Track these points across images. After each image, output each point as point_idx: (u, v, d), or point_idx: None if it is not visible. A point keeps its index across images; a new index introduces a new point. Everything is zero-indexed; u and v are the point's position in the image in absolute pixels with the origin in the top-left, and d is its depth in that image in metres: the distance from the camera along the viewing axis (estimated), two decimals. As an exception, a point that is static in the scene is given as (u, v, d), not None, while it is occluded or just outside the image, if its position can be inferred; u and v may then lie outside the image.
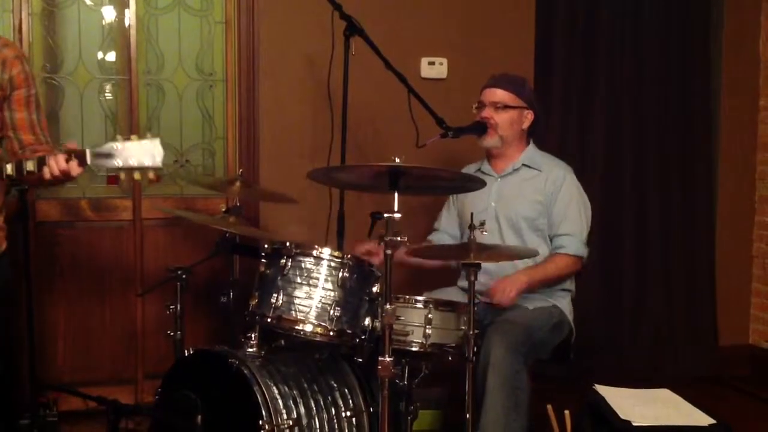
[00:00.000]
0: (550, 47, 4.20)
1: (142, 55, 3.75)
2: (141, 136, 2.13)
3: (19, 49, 2.53)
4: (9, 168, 2.23)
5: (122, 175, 2.15)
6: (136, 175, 2.15)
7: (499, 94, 3.12)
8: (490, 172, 3.21)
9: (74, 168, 2.18)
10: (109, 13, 3.74)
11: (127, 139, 2.11)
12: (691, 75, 4.45)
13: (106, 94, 3.76)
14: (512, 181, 3.17)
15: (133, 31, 3.66)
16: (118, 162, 2.11)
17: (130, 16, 3.66)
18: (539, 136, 3.31)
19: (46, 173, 2.20)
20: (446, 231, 3.35)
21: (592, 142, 4.31)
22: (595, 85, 4.30)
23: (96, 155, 2.15)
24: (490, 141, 3.15)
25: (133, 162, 2.11)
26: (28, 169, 2.21)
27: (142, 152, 2.11)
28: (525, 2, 4.11)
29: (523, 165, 3.17)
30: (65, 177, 2.21)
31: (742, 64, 4.58)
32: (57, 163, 2.17)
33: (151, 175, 2.15)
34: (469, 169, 3.31)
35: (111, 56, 3.76)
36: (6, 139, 2.45)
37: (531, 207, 3.11)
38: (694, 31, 4.45)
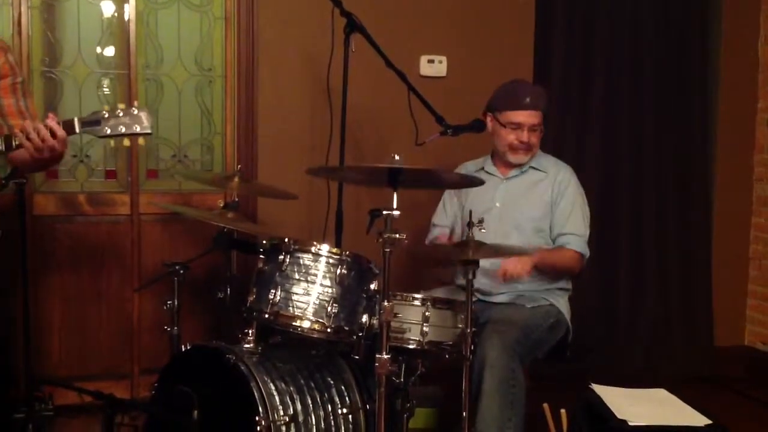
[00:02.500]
0: (548, 46, 4.20)
1: (141, 50, 3.74)
2: (128, 106, 2.19)
3: (2, 41, 2.57)
4: None
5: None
6: (126, 141, 2.20)
7: (538, 117, 3.09)
8: (495, 173, 3.20)
9: (57, 128, 2.18)
10: (108, 8, 3.73)
11: (114, 108, 2.18)
12: (689, 76, 4.45)
13: (105, 89, 3.74)
14: (519, 183, 3.17)
15: (132, 26, 3.66)
16: (106, 130, 2.17)
17: (129, 11, 3.66)
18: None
19: (29, 146, 2.20)
20: (446, 226, 3.33)
21: (590, 142, 4.31)
22: (593, 85, 4.30)
23: (84, 123, 2.19)
24: (523, 159, 3.13)
25: (122, 129, 2.17)
26: None
27: (130, 120, 2.17)
28: (524, 1, 4.11)
29: (530, 167, 3.17)
30: (52, 144, 2.20)
31: (740, 65, 4.59)
32: (38, 132, 2.18)
33: (140, 140, 2.21)
34: (470, 168, 3.31)
35: (110, 51, 3.75)
36: None
37: (538, 208, 3.12)
38: (693, 32, 4.45)
